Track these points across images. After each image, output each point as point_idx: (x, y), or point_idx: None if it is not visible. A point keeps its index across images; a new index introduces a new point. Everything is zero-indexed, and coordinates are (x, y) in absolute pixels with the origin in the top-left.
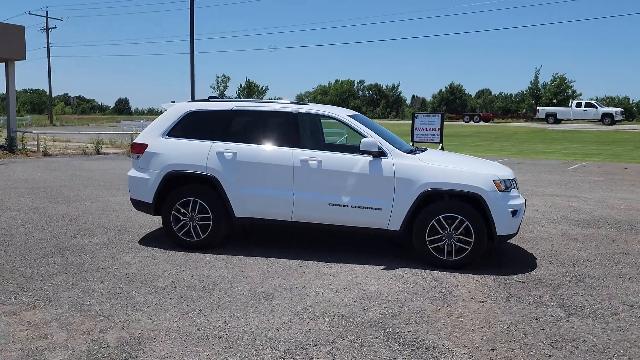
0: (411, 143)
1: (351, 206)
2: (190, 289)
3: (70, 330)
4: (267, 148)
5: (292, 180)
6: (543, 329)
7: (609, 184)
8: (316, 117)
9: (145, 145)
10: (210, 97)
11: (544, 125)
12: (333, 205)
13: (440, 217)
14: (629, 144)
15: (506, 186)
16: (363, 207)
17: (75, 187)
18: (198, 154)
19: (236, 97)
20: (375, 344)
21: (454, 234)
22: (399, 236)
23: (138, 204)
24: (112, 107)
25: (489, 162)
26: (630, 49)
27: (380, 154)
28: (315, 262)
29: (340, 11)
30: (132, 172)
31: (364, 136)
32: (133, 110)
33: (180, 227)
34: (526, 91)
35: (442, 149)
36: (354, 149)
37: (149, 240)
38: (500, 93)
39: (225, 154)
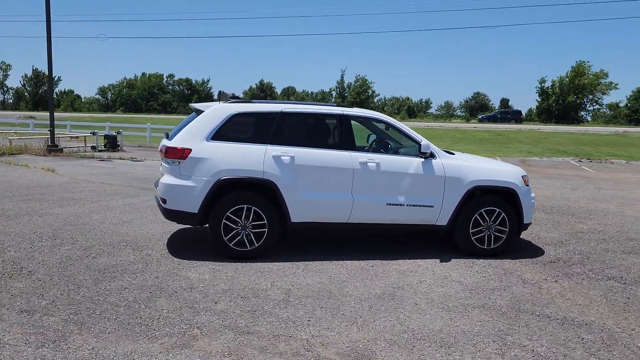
0: None
1: (407, 205)
2: (316, 299)
3: (276, 354)
4: (326, 151)
5: (352, 182)
6: (629, 298)
7: None
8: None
9: (188, 150)
10: (232, 96)
11: None
12: (390, 205)
13: (482, 210)
14: (446, 139)
15: (527, 180)
16: (417, 205)
17: None
18: (253, 158)
19: (22, 87)
20: (548, 327)
21: (492, 225)
22: (444, 230)
23: (176, 215)
24: None
25: (503, 162)
26: (412, 56)
27: (431, 155)
28: (378, 260)
29: (148, 5)
30: (170, 180)
31: (414, 139)
32: None
33: (232, 237)
34: (334, 89)
35: None
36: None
37: (182, 252)
38: (303, 91)
39: (282, 157)
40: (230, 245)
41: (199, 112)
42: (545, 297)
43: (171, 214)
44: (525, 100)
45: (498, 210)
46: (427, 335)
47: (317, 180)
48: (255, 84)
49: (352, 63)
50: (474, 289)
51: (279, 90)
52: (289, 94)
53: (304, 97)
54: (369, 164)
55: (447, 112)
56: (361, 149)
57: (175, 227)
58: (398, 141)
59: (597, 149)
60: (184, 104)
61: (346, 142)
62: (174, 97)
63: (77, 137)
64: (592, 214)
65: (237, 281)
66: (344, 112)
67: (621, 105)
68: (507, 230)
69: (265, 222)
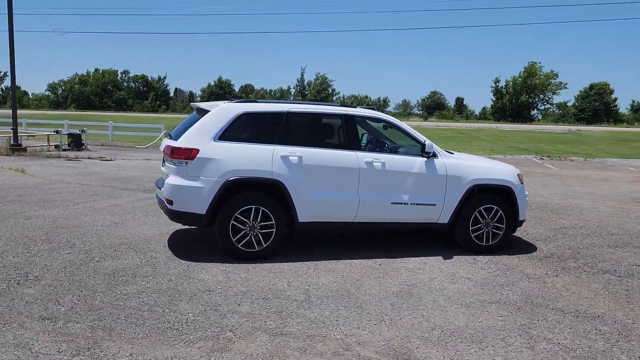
0: None
1: (411, 204)
2: (335, 298)
3: (316, 354)
4: (333, 151)
5: (358, 182)
6: (628, 290)
7: None
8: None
9: (196, 151)
10: (232, 96)
11: None
12: (395, 203)
13: (481, 208)
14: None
15: (522, 179)
16: (421, 204)
17: None
18: (262, 158)
19: None
20: (565, 320)
21: (490, 222)
22: (446, 228)
23: (183, 217)
24: None
25: (499, 161)
26: (370, 54)
27: (433, 155)
28: (384, 259)
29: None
30: (177, 181)
31: (417, 139)
32: None
33: (240, 237)
34: (294, 87)
35: None
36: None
37: (186, 253)
38: (262, 88)
39: (290, 157)
40: (239, 246)
41: (201, 111)
42: (552, 291)
43: (178, 216)
44: (480, 99)
45: (496, 207)
46: (455, 332)
47: (324, 180)
48: (214, 81)
49: (312, 61)
50: (484, 284)
51: (237, 88)
52: (247, 92)
53: (263, 95)
54: (374, 163)
55: (405, 111)
56: (365, 149)
57: (171, 228)
58: (393, 141)
59: (554, 147)
60: (139, 101)
61: (352, 141)
62: (130, 94)
63: (34, 136)
64: (569, 210)
65: (253, 282)
66: (349, 112)
67: (569, 104)
68: (504, 227)
69: (273, 222)
